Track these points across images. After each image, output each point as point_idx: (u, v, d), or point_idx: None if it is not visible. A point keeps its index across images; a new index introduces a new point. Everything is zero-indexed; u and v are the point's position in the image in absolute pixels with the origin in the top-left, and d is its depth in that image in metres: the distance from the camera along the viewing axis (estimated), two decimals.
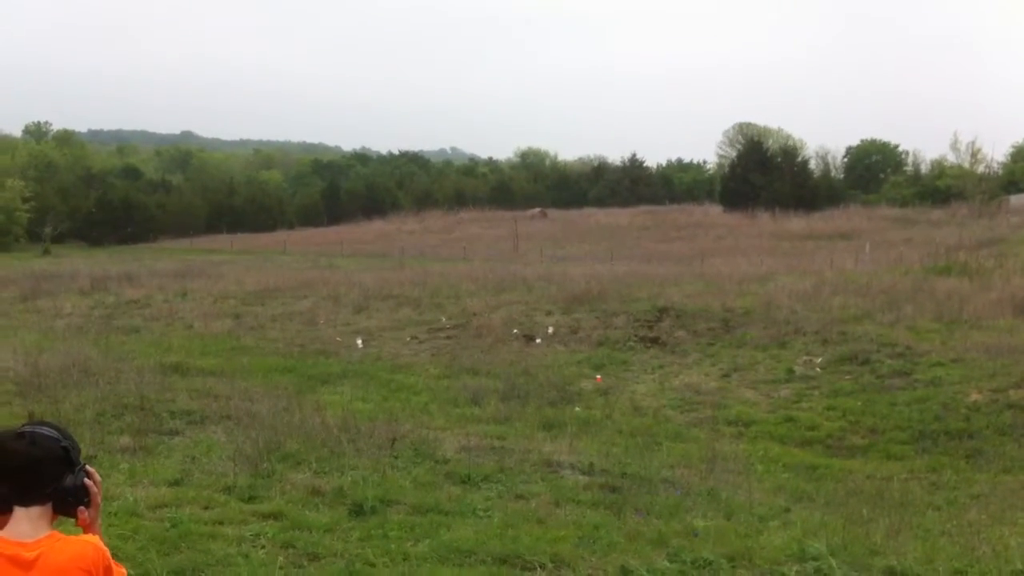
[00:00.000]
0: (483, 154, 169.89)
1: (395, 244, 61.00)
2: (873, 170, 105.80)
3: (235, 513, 7.88)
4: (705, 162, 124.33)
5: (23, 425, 2.84)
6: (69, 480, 2.79)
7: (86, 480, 2.83)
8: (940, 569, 7.26)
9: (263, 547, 7.03)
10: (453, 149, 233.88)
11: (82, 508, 2.82)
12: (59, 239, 71.48)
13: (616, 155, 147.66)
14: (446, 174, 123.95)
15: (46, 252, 63.35)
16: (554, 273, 31.56)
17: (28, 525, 2.73)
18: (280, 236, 72.61)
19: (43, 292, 31.40)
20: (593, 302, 24.44)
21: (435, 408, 14.89)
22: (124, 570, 2.94)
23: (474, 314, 24.60)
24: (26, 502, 2.74)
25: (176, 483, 8.77)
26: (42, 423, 2.86)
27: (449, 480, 9.47)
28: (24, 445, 2.73)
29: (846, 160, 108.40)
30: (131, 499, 8.01)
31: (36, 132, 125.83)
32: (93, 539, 2.82)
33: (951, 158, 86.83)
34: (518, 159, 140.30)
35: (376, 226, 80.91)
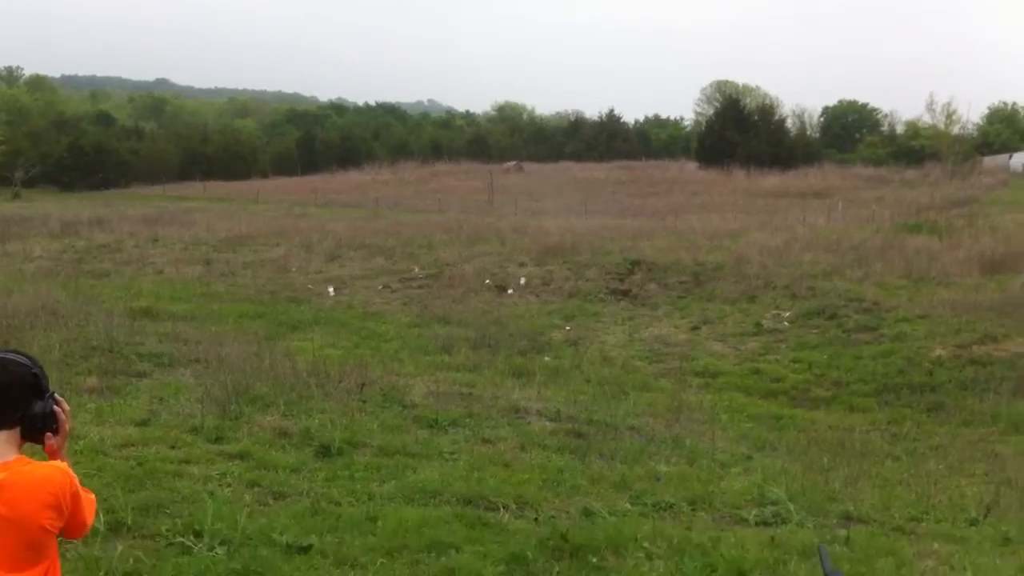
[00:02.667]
0: (460, 107, 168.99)
1: (369, 195, 60.69)
2: (849, 130, 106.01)
3: (202, 453, 7.91)
4: (682, 119, 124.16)
5: None
6: (38, 406, 2.81)
7: (55, 407, 2.86)
8: (896, 516, 7.42)
9: (229, 485, 7.07)
10: (430, 101, 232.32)
11: (49, 435, 2.85)
12: (30, 183, 70.55)
13: (594, 110, 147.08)
14: (422, 126, 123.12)
15: (16, 196, 62.57)
16: (528, 225, 31.57)
17: None
18: (254, 184, 72.01)
19: (12, 235, 31.10)
20: (566, 254, 24.49)
21: (405, 356, 14.95)
22: (93, 496, 2.97)
23: (447, 264, 24.61)
24: None
25: (143, 423, 8.79)
26: (11, 351, 2.87)
27: (417, 424, 9.54)
28: None
29: (822, 120, 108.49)
30: (97, 438, 8.02)
31: (8, 77, 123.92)
32: (61, 464, 2.84)
33: (927, 119, 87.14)
34: (495, 112, 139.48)
35: (351, 176, 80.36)
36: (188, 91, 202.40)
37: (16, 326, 12.61)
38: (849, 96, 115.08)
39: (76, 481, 2.84)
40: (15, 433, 2.79)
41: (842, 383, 15.01)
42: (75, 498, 2.83)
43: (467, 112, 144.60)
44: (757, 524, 7.00)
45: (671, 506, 7.22)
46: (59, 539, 2.90)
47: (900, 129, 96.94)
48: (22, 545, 2.76)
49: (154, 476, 7.09)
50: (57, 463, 2.84)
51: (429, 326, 18.35)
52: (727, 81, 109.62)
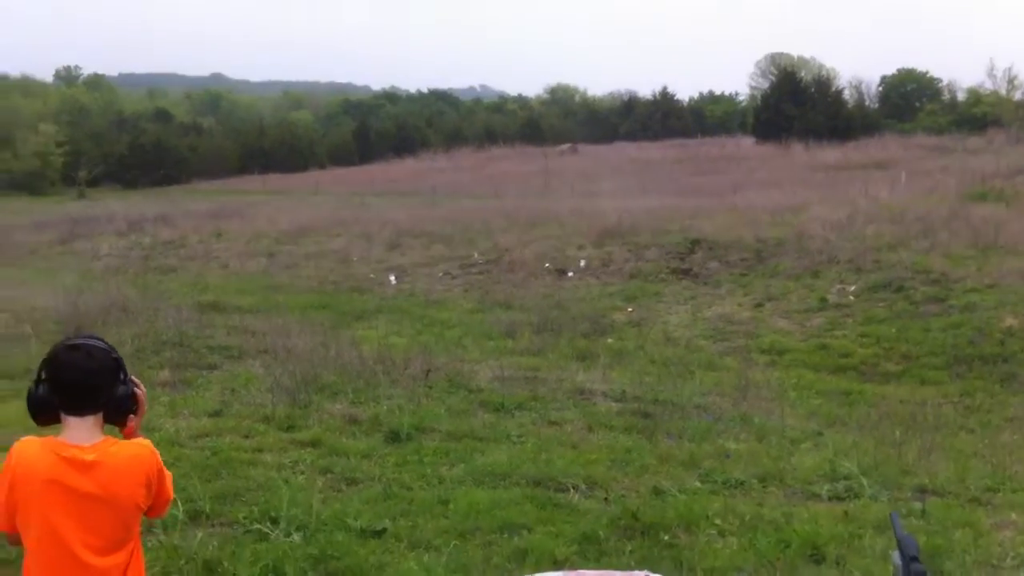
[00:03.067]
0: (512, 91, 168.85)
1: (426, 182, 60.88)
2: (908, 99, 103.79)
3: (274, 441, 8.05)
4: (737, 94, 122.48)
5: (71, 338, 2.93)
6: (121, 390, 2.91)
7: (135, 389, 2.93)
8: (972, 487, 7.32)
9: (302, 472, 7.20)
10: (482, 87, 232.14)
11: (132, 416, 2.93)
12: (93, 183, 71.86)
13: (647, 89, 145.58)
14: (475, 112, 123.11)
15: (81, 195, 63.78)
16: (585, 208, 31.44)
17: (84, 432, 2.84)
18: (312, 176, 72.60)
19: (80, 234, 31.77)
20: (625, 235, 24.36)
21: (469, 341, 15.02)
22: (170, 473, 3.05)
23: (506, 249, 24.63)
24: (82, 412, 2.84)
25: (216, 414, 8.97)
26: (90, 336, 2.95)
27: (483, 408, 9.61)
28: (81, 357, 2.83)
29: (881, 89, 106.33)
30: (172, 430, 8.21)
31: (67, 77, 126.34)
32: (146, 442, 2.94)
33: (988, 85, 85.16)
34: (547, 95, 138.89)
35: (407, 164, 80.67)
36: (242, 84, 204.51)
37: (89, 323, 12.88)
38: (908, 65, 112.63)
39: (159, 458, 2.96)
40: (99, 417, 2.88)
41: (912, 356, 14.78)
42: (161, 474, 2.96)
43: (519, 96, 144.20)
44: (830, 499, 6.96)
45: (741, 483, 7.19)
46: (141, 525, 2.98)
47: (961, 97, 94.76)
48: (117, 525, 2.85)
49: (229, 465, 7.23)
50: (142, 440, 2.95)
51: (491, 311, 18.41)
52: (782, 54, 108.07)
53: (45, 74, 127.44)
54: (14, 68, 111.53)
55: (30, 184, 70.66)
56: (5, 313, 13.93)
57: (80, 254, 27.99)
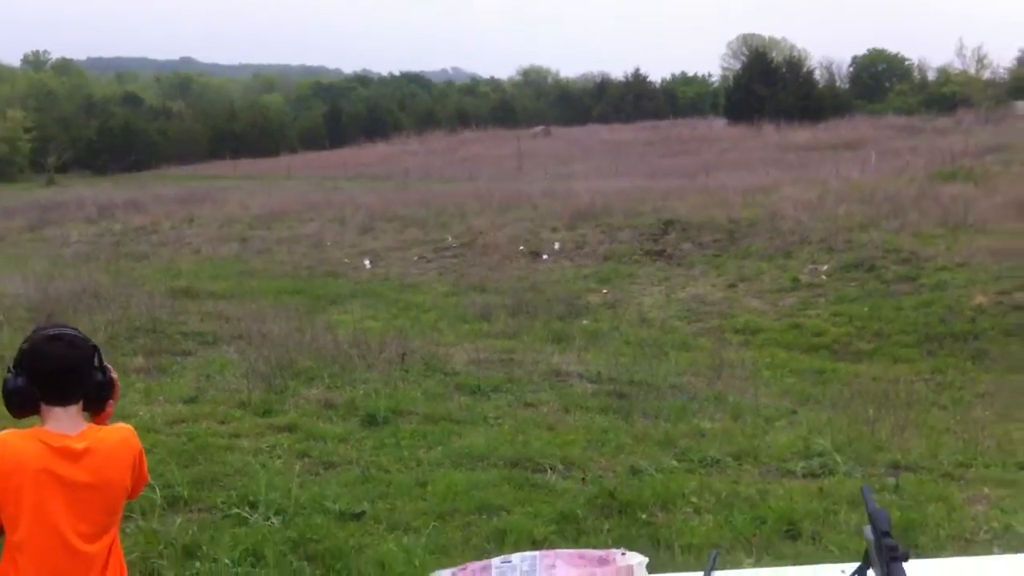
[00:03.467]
0: (484, 73, 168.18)
1: (398, 165, 60.68)
2: (879, 79, 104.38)
3: (251, 426, 8.04)
4: (709, 75, 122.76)
5: (45, 328, 2.91)
6: (99, 377, 2.92)
7: (112, 376, 2.95)
8: (944, 462, 7.42)
9: (280, 457, 7.19)
10: (454, 69, 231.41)
11: (111, 402, 2.95)
12: (62, 168, 71.18)
13: (619, 71, 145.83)
14: (448, 94, 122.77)
15: (50, 182, 63.19)
16: (558, 190, 31.48)
17: (68, 421, 2.83)
18: (283, 160, 72.20)
19: (50, 221, 31.49)
20: (598, 217, 24.43)
21: (444, 325, 15.03)
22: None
23: (480, 232, 24.64)
24: (65, 401, 2.83)
25: (191, 400, 8.94)
26: (62, 325, 2.94)
27: (459, 391, 9.63)
28: (62, 347, 2.81)
29: (851, 70, 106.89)
30: (148, 416, 8.17)
31: (35, 61, 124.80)
32: (127, 427, 2.96)
33: (957, 65, 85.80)
34: (520, 77, 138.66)
35: (379, 148, 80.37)
36: (213, 68, 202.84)
37: (60, 310, 12.81)
38: (878, 45, 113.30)
39: (139, 440, 2.99)
40: (80, 404, 2.89)
41: (884, 335, 14.92)
42: (142, 455, 2.99)
43: (492, 78, 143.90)
44: (804, 476, 7.03)
45: (717, 461, 7.26)
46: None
47: (931, 76, 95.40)
48: (106, 511, 2.86)
49: (206, 451, 7.22)
50: (123, 424, 2.99)
51: (466, 294, 18.42)
52: (753, 34, 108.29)
53: (13, 59, 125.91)
54: None
55: None
56: None
57: (50, 241, 27.75)
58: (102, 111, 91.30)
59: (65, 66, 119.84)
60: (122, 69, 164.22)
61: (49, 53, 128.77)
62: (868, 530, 1.97)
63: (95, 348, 2.90)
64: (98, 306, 13.54)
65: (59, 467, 2.76)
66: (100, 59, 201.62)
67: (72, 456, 2.78)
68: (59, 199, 39.16)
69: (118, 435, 2.90)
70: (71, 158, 74.62)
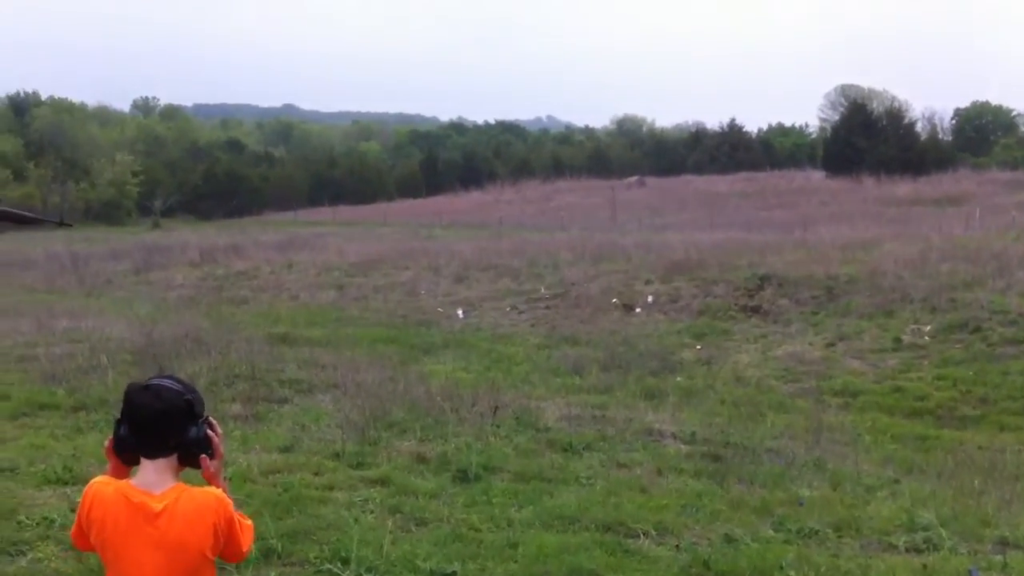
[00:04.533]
0: (579, 122, 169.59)
1: (493, 214, 61.24)
2: (983, 132, 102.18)
3: (344, 479, 8.08)
4: (807, 126, 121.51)
5: (150, 379, 2.95)
6: (193, 432, 2.88)
7: (208, 431, 2.94)
8: None
9: (372, 512, 7.20)
10: (549, 117, 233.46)
11: (205, 458, 2.92)
12: (168, 212, 73.51)
13: (714, 120, 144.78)
14: (542, 143, 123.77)
15: (156, 225, 65.25)
16: (652, 242, 31.34)
17: (155, 475, 2.85)
18: (380, 207, 73.51)
19: (155, 264, 32.47)
20: (693, 270, 24.21)
21: (536, 378, 14.98)
22: (250, 523, 3.05)
23: (573, 284, 24.62)
24: (152, 454, 2.85)
25: (287, 449, 9.02)
26: (167, 376, 2.96)
27: (551, 448, 9.55)
28: (149, 398, 2.83)
29: (954, 122, 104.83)
30: (244, 465, 8.26)
31: (144, 107, 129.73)
32: (216, 491, 2.92)
33: None
34: (614, 127, 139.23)
35: (474, 196, 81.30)
36: (314, 115, 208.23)
37: (163, 354, 13.10)
38: (982, 97, 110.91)
39: (231, 506, 2.93)
40: (172, 460, 2.89)
41: (990, 400, 14.43)
42: (230, 524, 2.91)
43: (586, 127, 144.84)
44: (907, 551, 6.79)
45: (816, 532, 7.05)
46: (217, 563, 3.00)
47: None
48: (180, 572, 2.86)
49: (300, 502, 7.27)
50: (213, 489, 2.93)
51: (558, 347, 18.38)
52: (852, 85, 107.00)
53: (123, 104, 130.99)
54: (93, 99, 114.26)
55: (107, 213, 72.52)
56: (82, 343, 14.19)
57: (155, 284, 28.59)
58: (207, 156, 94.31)
59: (172, 112, 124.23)
60: (226, 115, 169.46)
61: (157, 99, 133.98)
62: None
63: (189, 401, 2.87)
64: (199, 351, 13.81)
65: (136, 525, 2.80)
66: (206, 105, 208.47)
67: (148, 516, 2.81)
68: (164, 243, 40.38)
69: (201, 499, 2.88)
70: (176, 202, 77.07)
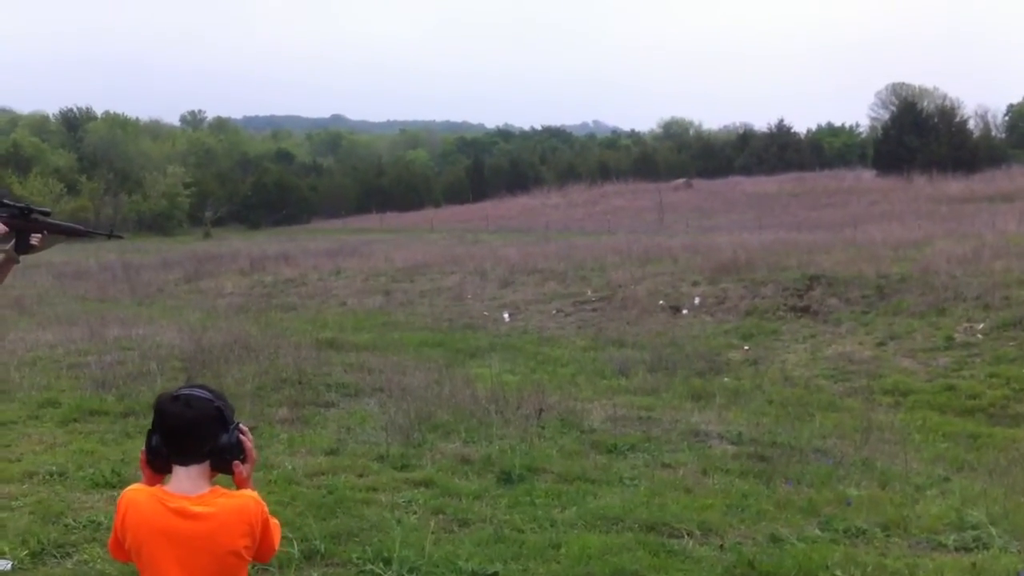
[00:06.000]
0: (625, 126, 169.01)
1: (539, 219, 61.24)
2: None
3: (388, 480, 8.11)
4: (857, 125, 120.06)
5: (179, 388, 3.01)
6: (224, 439, 2.96)
7: (240, 437, 3.00)
8: None
9: (415, 513, 7.23)
10: (595, 122, 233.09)
11: (237, 463, 2.99)
12: (219, 222, 74.55)
13: (762, 121, 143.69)
14: (589, 148, 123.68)
15: (207, 235, 66.21)
16: (700, 243, 31.16)
17: (188, 482, 2.91)
18: (427, 214, 73.81)
19: (205, 273, 32.86)
20: (740, 271, 24.03)
21: (582, 380, 14.94)
22: (277, 522, 3.11)
23: (619, 286, 24.54)
24: (185, 461, 2.92)
25: (332, 452, 9.08)
26: (197, 386, 3.03)
27: (595, 449, 9.52)
28: (180, 407, 2.90)
29: (1007, 119, 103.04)
30: (290, 467, 8.33)
31: (192, 121, 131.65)
32: (252, 494, 2.99)
33: None
34: (661, 130, 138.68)
35: (520, 201, 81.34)
36: (362, 125, 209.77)
37: (213, 360, 13.26)
38: None
39: (266, 508, 3.00)
40: (205, 467, 2.96)
41: None
42: (265, 525, 2.99)
43: (632, 131, 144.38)
44: (957, 550, 6.67)
45: (863, 532, 6.95)
46: (256, 567, 3.04)
47: None
48: (217, 574, 2.91)
49: (344, 504, 7.31)
50: (248, 492, 3.00)
51: (604, 349, 18.32)
52: (903, 84, 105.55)
53: (172, 118, 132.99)
54: (144, 113, 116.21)
55: (159, 224, 73.62)
56: (133, 351, 14.39)
57: (205, 292, 28.93)
58: (256, 167, 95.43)
59: (222, 124, 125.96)
60: (276, 127, 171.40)
61: (205, 112, 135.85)
62: None
63: (220, 409, 2.95)
64: (248, 357, 13.96)
65: (173, 528, 2.85)
66: (255, 117, 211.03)
67: (186, 517, 2.86)
68: (215, 252, 40.88)
69: (238, 502, 2.94)
70: (227, 213, 78.14)
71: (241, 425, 3.03)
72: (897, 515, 7.30)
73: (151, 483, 2.99)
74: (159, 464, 2.97)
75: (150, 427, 2.97)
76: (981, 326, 17.72)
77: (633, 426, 10.77)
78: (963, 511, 7.40)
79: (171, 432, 2.91)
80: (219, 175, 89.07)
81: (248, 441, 3.02)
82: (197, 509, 2.87)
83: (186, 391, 2.97)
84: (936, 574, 5.94)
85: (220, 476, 3.02)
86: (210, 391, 3.00)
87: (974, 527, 7.00)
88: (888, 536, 6.91)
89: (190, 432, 2.90)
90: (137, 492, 2.94)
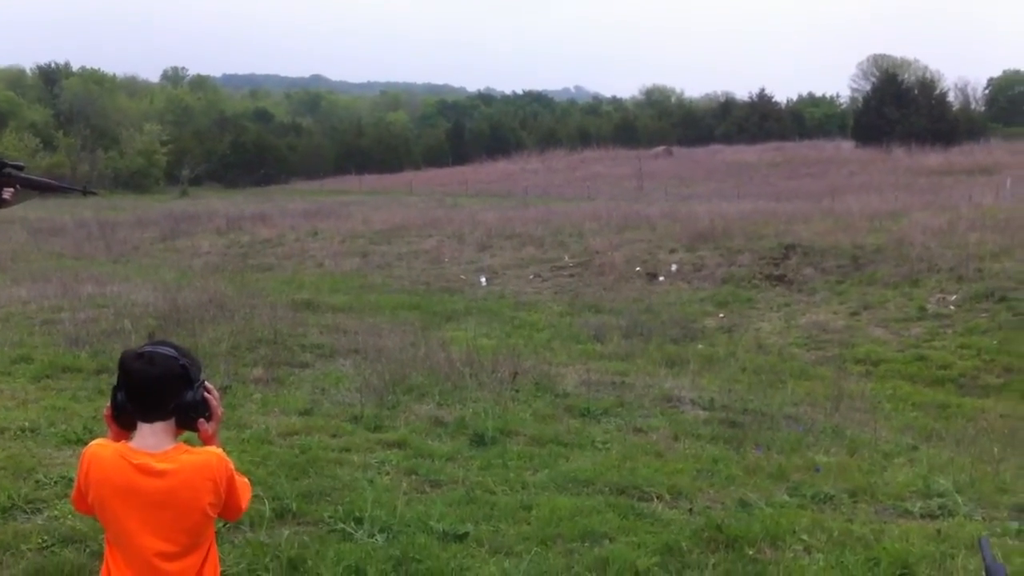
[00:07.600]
0: (607, 92, 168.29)
1: (519, 184, 61.17)
2: (1016, 103, 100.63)
3: (361, 441, 8.12)
4: (838, 96, 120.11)
5: (144, 345, 2.99)
6: (189, 396, 2.93)
7: (206, 395, 2.99)
8: None
9: (388, 473, 7.25)
10: (577, 88, 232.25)
11: (202, 421, 2.98)
12: (196, 181, 73.89)
13: (744, 90, 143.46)
14: (570, 113, 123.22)
15: (184, 194, 65.63)
16: (678, 211, 31.20)
17: (153, 438, 2.90)
18: (406, 176, 73.56)
19: (181, 232, 32.67)
20: (718, 240, 24.11)
21: (557, 344, 14.99)
22: (247, 480, 3.10)
23: (597, 252, 24.58)
24: (149, 418, 2.91)
25: (306, 412, 9.07)
26: (161, 343, 3.00)
27: (569, 413, 9.56)
28: (144, 364, 2.88)
29: (987, 92, 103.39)
30: (263, 427, 8.32)
31: (173, 78, 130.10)
32: (216, 450, 2.97)
33: None
34: (643, 97, 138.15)
35: (500, 166, 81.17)
36: (342, 86, 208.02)
37: (187, 319, 13.19)
38: (1015, 66, 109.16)
39: (231, 465, 2.99)
40: (170, 424, 2.94)
41: (1014, 369, 14.32)
42: (230, 482, 2.97)
43: (614, 97, 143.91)
44: (922, 516, 6.77)
45: (831, 498, 7.03)
46: (227, 525, 3.04)
47: None
48: (186, 531, 2.91)
49: (316, 464, 7.32)
50: (213, 448, 2.98)
51: (580, 315, 18.36)
52: (884, 55, 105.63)
53: (152, 75, 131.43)
54: (122, 70, 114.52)
55: (136, 182, 73.00)
56: (107, 308, 14.30)
57: (181, 251, 28.78)
58: (235, 126, 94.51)
59: (201, 82, 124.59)
60: (255, 86, 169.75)
61: (186, 69, 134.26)
62: None
63: (184, 367, 2.92)
64: (223, 317, 13.90)
65: (136, 484, 2.84)
66: (235, 76, 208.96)
67: (150, 474, 2.85)
68: (191, 211, 40.58)
69: (201, 458, 2.92)
70: (204, 171, 77.48)
71: (207, 383, 3.01)
72: (865, 482, 7.39)
73: (117, 439, 2.97)
74: (125, 420, 2.95)
75: (115, 383, 2.96)
76: (954, 297, 17.89)
77: (607, 391, 10.81)
78: (930, 479, 7.50)
79: (135, 389, 2.89)
80: (197, 133, 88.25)
81: (213, 399, 3.00)
82: (160, 466, 2.85)
83: (150, 348, 2.94)
84: (901, 540, 6.01)
85: (189, 434, 3.02)
86: (175, 348, 2.96)
87: (940, 495, 7.10)
88: (855, 502, 7.00)
89: (154, 389, 2.88)
90: (101, 447, 2.93)
